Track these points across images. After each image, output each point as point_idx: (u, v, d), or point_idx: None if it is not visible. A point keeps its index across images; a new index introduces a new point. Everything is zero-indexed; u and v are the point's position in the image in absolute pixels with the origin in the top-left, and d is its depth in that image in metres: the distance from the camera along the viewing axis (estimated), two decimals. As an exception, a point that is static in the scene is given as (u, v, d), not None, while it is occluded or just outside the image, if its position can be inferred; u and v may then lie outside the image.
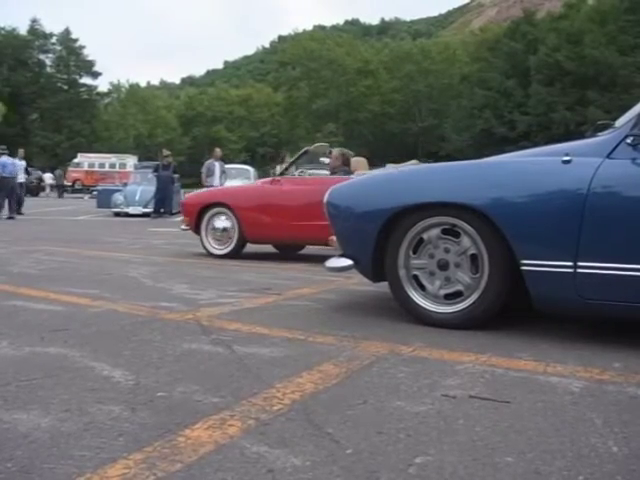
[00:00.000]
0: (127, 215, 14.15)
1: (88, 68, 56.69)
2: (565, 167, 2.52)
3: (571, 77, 40.75)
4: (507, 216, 2.57)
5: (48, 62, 56.41)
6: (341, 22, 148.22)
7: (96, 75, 57.19)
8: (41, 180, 31.15)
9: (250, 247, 5.95)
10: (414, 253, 2.87)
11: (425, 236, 2.82)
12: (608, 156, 2.47)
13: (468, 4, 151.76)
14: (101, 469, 1.32)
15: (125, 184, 17.22)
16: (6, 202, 12.53)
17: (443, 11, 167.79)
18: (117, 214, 14.37)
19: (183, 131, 61.27)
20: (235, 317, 2.99)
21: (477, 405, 1.77)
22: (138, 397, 1.80)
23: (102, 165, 35.48)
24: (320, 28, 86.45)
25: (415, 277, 2.86)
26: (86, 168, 35.13)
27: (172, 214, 14.25)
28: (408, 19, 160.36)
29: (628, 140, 2.45)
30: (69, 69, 55.89)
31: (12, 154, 14.10)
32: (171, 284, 4.08)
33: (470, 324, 2.70)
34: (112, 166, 35.18)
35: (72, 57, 55.96)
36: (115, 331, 2.67)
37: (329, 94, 57.04)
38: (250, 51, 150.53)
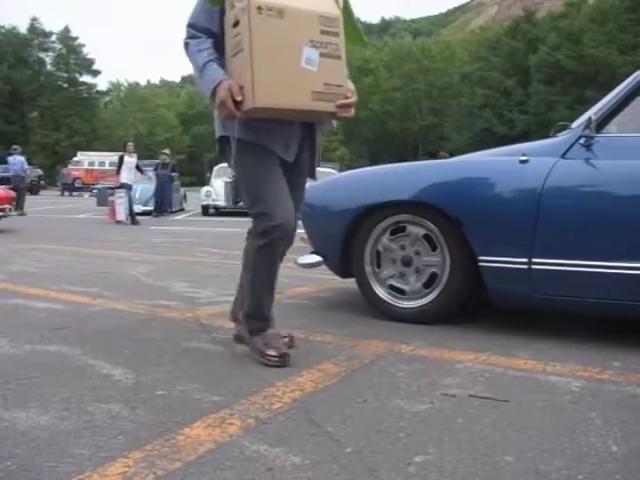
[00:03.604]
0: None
1: (88, 66, 56.69)
2: (522, 166, 2.61)
3: (571, 76, 40.80)
4: (465, 214, 2.65)
5: (48, 60, 56.44)
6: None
7: (96, 73, 57.26)
8: (41, 178, 31.10)
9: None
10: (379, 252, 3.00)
11: (380, 245, 2.96)
12: (563, 156, 2.56)
13: (468, 3, 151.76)
14: (100, 467, 1.32)
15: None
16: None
17: (444, 10, 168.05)
18: (117, 213, 14.33)
19: (183, 129, 61.27)
20: (235, 316, 2.98)
21: (477, 404, 1.77)
22: (138, 395, 1.80)
23: (102, 163, 35.42)
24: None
25: (391, 286, 2.94)
26: (86, 166, 35.10)
27: (172, 212, 14.25)
28: (409, 18, 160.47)
29: (581, 141, 2.54)
30: (69, 67, 55.88)
31: (10, 153, 14.22)
32: (171, 282, 4.08)
33: (433, 318, 2.80)
34: (112, 164, 35.13)
35: (72, 55, 55.96)
36: (115, 329, 2.67)
37: (329, 93, 56.92)
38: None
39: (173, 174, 14.28)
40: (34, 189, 30.42)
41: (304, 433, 1.54)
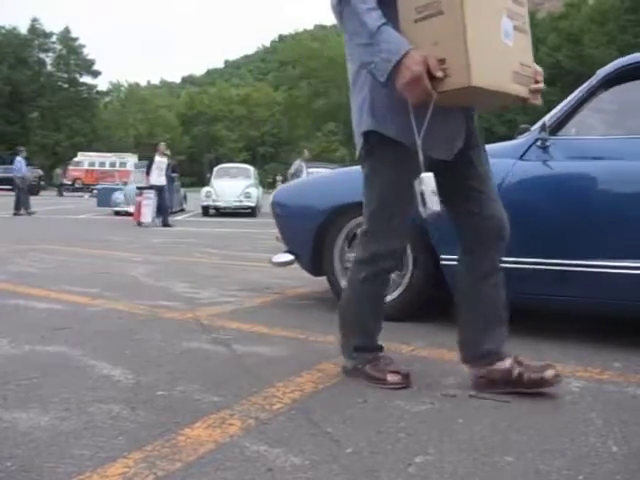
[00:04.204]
0: (127, 214, 14.13)
1: (88, 67, 56.74)
2: None
3: (571, 76, 40.72)
4: None
5: (48, 61, 56.47)
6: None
7: (96, 74, 57.29)
8: (41, 179, 31.11)
9: (249, 247, 5.94)
10: (349, 247, 3.07)
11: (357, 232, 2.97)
12: (521, 157, 2.66)
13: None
14: (101, 468, 1.32)
15: (125, 183, 17.21)
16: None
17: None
18: (117, 213, 14.36)
19: (183, 130, 61.29)
20: (235, 316, 2.99)
21: (477, 404, 1.77)
22: (138, 396, 1.80)
23: (102, 164, 35.44)
24: (321, 27, 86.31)
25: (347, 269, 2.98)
26: (86, 167, 35.10)
27: (172, 213, 14.25)
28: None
29: (538, 143, 2.62)
30: (69, 68, 55.91)
31: (16, 153, 14.33)
32: (171, 283, 4.08)
33: (399, 315, 2.86)
34: (112, 165, 35.16)
35: (72, 56, 56.00)
36: (115, 330, 2.67)
37: (329, 93, 56.99)
38: (251, 50, 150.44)
39: (173, 175, 14.28)
40: (34, 189, 30.44)
41: (304, 433, 1.54)
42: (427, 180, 1.61)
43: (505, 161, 2.66)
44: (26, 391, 1.83)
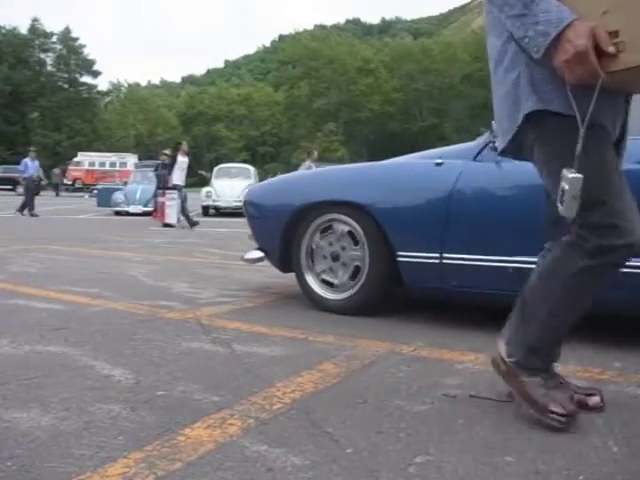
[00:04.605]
0: (127, 214, 14.15)
1: (88, 67, 56.76)
2: (436, 169, 2.86)
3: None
4: (386, 213, 2.90)
5: (48, 61, 56.50)
6: (342, 21, 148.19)
7: (96, 74, 57.33)
8: (41, 179, 31.12)
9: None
10: (315, 245, 3.22)
11: (314, 243, 3.19)
12: (474, 159, 2.79)
13: (469, 3, 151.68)
14: (101, 468, 1.32)
15: (125, 183, 17.22)
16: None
17: (444, 10, 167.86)
18: (117, 213, 14.37)
19: (183, 130, 61.29)
20: (235, 316, 2.99)
21: (477, 405, 1.77)
22: (138, 396, 1.80)
23: (102, 164, 35.45)
24: (321, 27, 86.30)
25: (323, 280, 3.17)
26: (86, 167, 35.11)
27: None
28: (409, 18, 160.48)
29: (490, 145, 2.72)
30: (69, 68, 55.92)
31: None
32: (171, 283, 4.08)
33: (358, 309, 3.00)
34: (112, 165, 35.18)
35: (72, 56, 56.01)
36: (115, 330, 2.67)
37: (329, 93, 57.04)
38: (251, 50, 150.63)
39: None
40: (35, 190, 30.41)
41: (304, 434, 1.54)
42: (573, 182, 1.38)
43: (457, 163, 2.82)
44: (26, 391, 1.83)
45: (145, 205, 14.29)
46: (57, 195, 29.40)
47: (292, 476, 1.30)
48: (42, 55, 56.41)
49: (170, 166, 11.14)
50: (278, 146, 61.95)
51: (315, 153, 13.20)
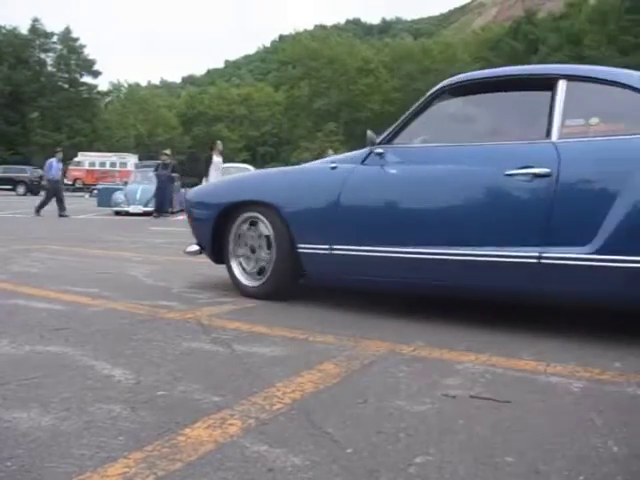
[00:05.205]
0: (128, 214, 14.15)
1: (88, 67, 56.67)
2: (331, 172, 3.25)
3: (572, 77, 40.76)
4: (289, 211, 3.31)
5: (49, 61, 56.38)
6: (342, 22, 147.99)
7: (96, 74, 57.21)
8: (41, 178, 31.14)
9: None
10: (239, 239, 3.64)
11: (243, 228, 3.60)
12: (362, 163, 3.18)
13: (469, 4, 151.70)
14: (101, 468, 1.32)
15: (126, 183, 17.22)
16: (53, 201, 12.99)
17: (444, 10, 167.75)
18: (118, 213, 14.37)
19: (184, 130, 61.27)
20: (235, 316, 2.99)
21: (477, 405, 1.77)
22: (138, 396, 1.80)
23: (103, 164, 35.45)
24: (321, 28, 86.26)
25: (240, 264, 3.62)
26: (87, 167, 35.12)
27: (172, 213, 14.26)
28: (409, 19, 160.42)
29: (376, 150, 3.14)
30: (70, 68, 55.85)
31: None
32: (171, 283, 4.08)
33: (269, 295, 3.42)
34: (113, 165, 35.19)
35: (73, 56, 55.92)
36: (115, 330, 2.67)
37: (330, 93, 56.99)
38: (251, 50, 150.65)
39: (174, 175, 14.29)
40: (35, 190, 30.44)
41: (304, 434, 1.54)
42: None
43: (348, 166, 3.21)
44: (26, 391, 1.83)
45: (145, 205, 14.29)
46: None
47: (292, 476, 1.30)
48: (42, 55, 56.34)
49: (206, 166, 11.14)
50: (278, 146, 61.90)
51: (330, 152, 13.18)
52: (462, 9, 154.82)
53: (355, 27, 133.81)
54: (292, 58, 61.90)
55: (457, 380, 1.99)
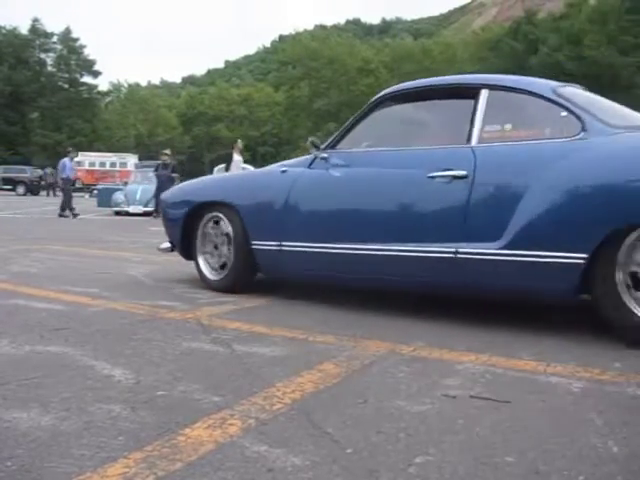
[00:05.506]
0: (128, 214, 14.15)
1: (89, 67, 56.65)
2: (281, 175, 3.54)
3: (572, 77, 40.74)
4: (245, 210, 3.59)
5: (49, 61, 56.36)
6: (342, 22, 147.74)
7: (96, 74, 57.18)
8: (41, 178, 31.13)
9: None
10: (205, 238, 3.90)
11: (208, 227, 3.86)
12: (309, 167, 3.44)
13: (469, 4, 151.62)
14: (101, 468, 1.32)
15: (126, 183, 17.23)
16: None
17: (444, 11, 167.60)
18: (118, 213, 14.37)
19: (184, 130, 61.27)
20: (235, 316, 2.99)
21: (477, 405, 1.77)
22: (138, 396, 1.80)
23: (103, 164, 35.50)
24: (321, 28, 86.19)
25: (206, 260, 3.89)
26: (87, 167, 35.13)
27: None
28: (409, 19, 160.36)
29: (321, 155, 3.38)
30: (70, 68, 55.83)
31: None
32: (171, 283, 4.08)
33: (229, 288, 3.68)
34: (113, 165, 35.21)
35: (73, 56, 55.90)
36: (115, 330, 2.67)
37: (330, 93, 56.96)
38: (251, 50, 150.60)
39: (174, 175, 14.28)
40: (34, 190, 30.43)
41: (304, 434, 1.54)
42: None
43: (296, 170, 3.49)
44: (26, 391, 1.83)
45: (145, 205, 14.29)
46: (48, 195, 29.20)
47: (292, 476, 1.30)
48: (42, 55, 56.31)
49: (227, 164, 11.20)
50: (278, 146, 61.86)
51: None
52: (462, 9, 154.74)
53: (355, 27, 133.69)
54: (292, 58, 61.86)
55: (457, 380, 1.99)
